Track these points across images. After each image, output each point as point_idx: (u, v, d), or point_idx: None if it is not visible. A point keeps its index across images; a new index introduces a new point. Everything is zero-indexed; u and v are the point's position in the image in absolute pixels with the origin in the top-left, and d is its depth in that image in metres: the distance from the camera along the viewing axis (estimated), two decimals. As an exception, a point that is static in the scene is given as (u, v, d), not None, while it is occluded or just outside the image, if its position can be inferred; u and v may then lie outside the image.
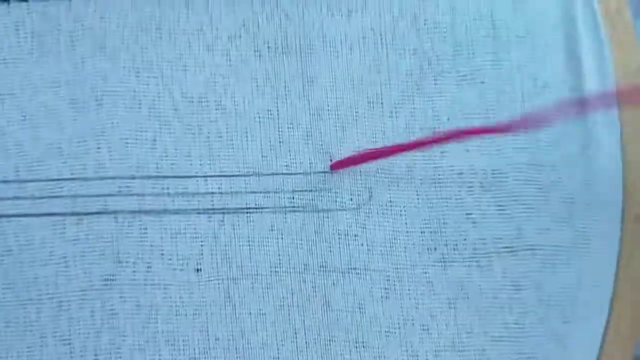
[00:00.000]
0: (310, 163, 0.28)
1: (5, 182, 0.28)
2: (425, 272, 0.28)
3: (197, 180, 0.28)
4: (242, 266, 0.28)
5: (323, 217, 0.28)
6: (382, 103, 0.29)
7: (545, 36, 0.29)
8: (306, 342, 0.27)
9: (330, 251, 0.28)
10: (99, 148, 0.28)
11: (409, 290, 0.28)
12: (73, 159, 0.28)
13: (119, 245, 0.28)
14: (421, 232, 0.28)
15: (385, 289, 0.28)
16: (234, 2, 0.29)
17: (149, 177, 0.28)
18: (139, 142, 0.28)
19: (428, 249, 0.28)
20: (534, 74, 0.29)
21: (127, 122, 0.28)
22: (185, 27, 0.29)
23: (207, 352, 0.27)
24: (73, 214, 0.28)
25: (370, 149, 0.27)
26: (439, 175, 0.28)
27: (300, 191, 0.28)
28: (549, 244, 0.28)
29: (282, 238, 0.28)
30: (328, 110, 0.29)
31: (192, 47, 0.29)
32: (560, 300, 0.28)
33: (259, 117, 0.28)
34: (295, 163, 0.28)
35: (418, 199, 0.28)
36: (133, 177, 0.28)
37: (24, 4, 0.29)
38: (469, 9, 0.29)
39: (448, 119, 0.29)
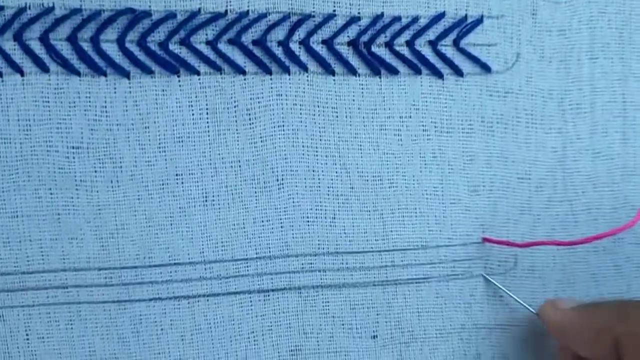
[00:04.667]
0: (467, 234, 0.31)
1: (191, 263, 0.28)
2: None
3: (372, 255, 0.30)
4: (412, 331, 0.31)
5: (476, 282, 0.31)
6: (529, 178, 0.32)
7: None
8: None
9: (481, 311, 0.32)
10: (282, 227, 0.29)
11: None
12: (257, 238, 0.29)
13: (304, 318, 0.30)
14: (554, 291, 0.32)
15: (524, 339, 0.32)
16: (404, 82, 0.30)
17: (329, 254, 0.30)
18: (319, 220, 0.29)
19: (560, 303, 0.33)
20: (650, 149, 0.33)
21: (308, 201, 0.29)
22: (360, 106, 0.30)
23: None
24: (259, 291, 0.29)
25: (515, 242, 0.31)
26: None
27: (460, 260, 0.31)
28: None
29: (445, 304, 0.31)
30: (483, 186, 0.31)
31: (366, 127, 0.30)
32: None
33: (427, 194, 0.31)
34: (456, 235, 0.31)
35: (554, 262, 0.32)
36: (315, 254, 0.30)
37: (195, 77, 0.28)
38: (605, 90, 0.32)
39: (582, 192, 0.32)
